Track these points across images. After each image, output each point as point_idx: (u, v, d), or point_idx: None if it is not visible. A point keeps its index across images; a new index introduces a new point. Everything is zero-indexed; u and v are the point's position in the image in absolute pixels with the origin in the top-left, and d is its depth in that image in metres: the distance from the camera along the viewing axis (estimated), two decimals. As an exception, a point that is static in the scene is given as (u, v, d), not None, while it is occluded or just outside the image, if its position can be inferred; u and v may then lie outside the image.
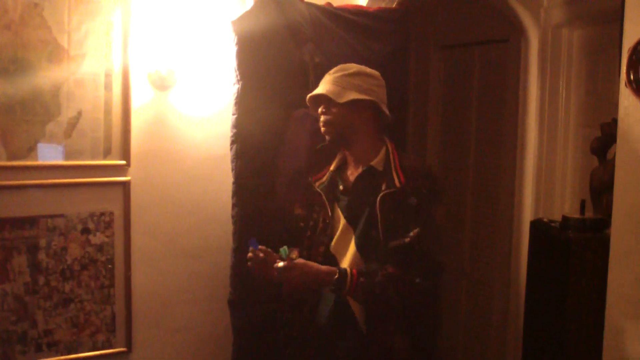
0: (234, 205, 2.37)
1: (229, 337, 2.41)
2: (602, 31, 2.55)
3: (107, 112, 2.37)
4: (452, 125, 3.48)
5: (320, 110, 1.98)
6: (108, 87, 2.36)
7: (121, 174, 2.43)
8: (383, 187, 1.90)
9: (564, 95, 2.73)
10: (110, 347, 2.45)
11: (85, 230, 2.38)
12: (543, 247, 2.37)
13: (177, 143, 2.53)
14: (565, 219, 2.24)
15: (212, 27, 2.51)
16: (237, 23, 2.32)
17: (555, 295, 2.21)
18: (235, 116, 2.35)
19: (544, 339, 2.33)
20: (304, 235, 2.02)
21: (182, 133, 2.53)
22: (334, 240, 1.97)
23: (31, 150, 2.26)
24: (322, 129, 1.98)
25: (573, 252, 2.10)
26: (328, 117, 1.96)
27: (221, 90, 2.55)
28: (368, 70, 2.00)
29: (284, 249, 1.87)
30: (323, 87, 1.96)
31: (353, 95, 1.91)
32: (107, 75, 2.36)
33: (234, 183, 2.37)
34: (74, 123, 2.32)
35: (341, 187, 2.00)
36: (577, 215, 2.23)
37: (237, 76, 2.33)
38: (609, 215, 1.94)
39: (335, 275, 1.83)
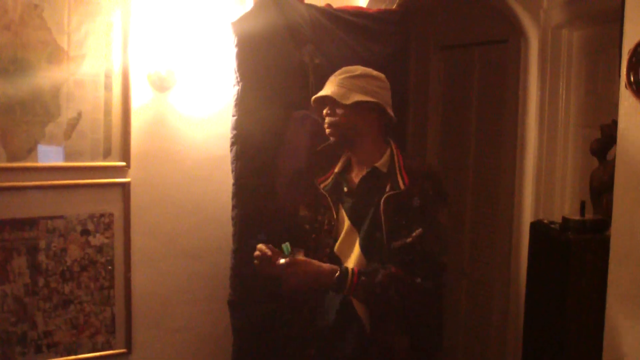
0: (234, 207, 2.37)
1: (229, 338, 2.41)
2: (602, 31, 2.55)
3: (107, 113, 2.37)
4: (452, 125, 3.48)
5: (325, 111, 1.98)
6: (108, 87, 2.36)
7: (121, 175, 2.43)
8: (387, 189, 1.90)
9: (564, 96, 2.73)
10: (110, 348, 2.45)
11: (85, 232, 2.38)
12: (543, 248, 2.37)
13: (177, 144, 2.53)
14: (565, 220, 2.24)
15: (212, 28, 2.51)
16: (237, 24, 2.32)
17: (555, 295, 2.21)
18: (235, 117, 2.35)
19: (544, 339, 2.33)
20: (310, 237, 2.02)
21: (182, 134, 2.53)
22: (339, 241, 1.97)
23: (31, 151, 2.25)
24: (327, 130, 1.98)
25: (573, 253, 2.10)
26: (333, 118, 1.96)
27: (221, 91, 2.55)
28: (373, 72, 2.00)
29: (286, 246, 1.86)
30: (328, 89, 1.96)
31: (358, 97, 1.91)
32: (107, 76, 2.35)
33: (234, 184, 2.36)
34: (73, 124, 2.32)
35: (346, 189, 2.00)
36: (577, 217, 2.23)
37: (237, 77, 2.33)
38: (609, 216, 1.94)
39: (337, 273, 1.83)
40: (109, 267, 2.43)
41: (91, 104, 2.34)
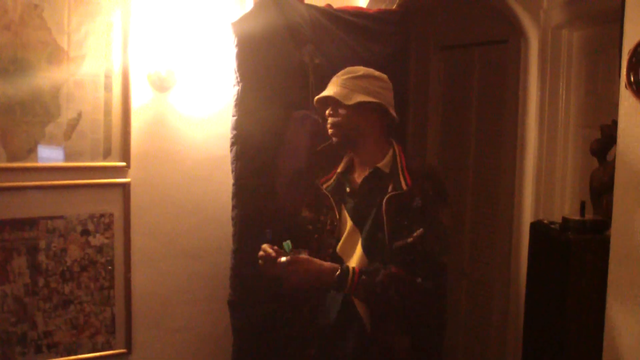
0: (234, 207, 2.37)
1: (229, 338, 2.41)
2: (602, 31, 2.55)
3: (107, 113, 2.37)
4: (452, 125, 3.48)
5: (327, 112, 1.99)
6: (108, 88, 2.36)
7: (121, 175, 2.43)
8: (389, 189, 1.90)
9: (564, 96, 2.73)
10: (110, 348, 2.45)
11: (85, 232, 2.38)
12: (543, 248, 2.37)
13: (177, 144, 2.53)
14: (565, 220, 2.24)
15: (211, 28, 2.51)
16: (237, 24, 2.32)
17: (555, 295, 2.21)
18: (235, 118, 2.35)
19: (544, 339, 2.33)
20: (312, 238, 2.02)
21: (182, 134, 2.53)
22: (341, 241, 1.97)
23: (31, 151, 2.26)
24: (330, 130, 1.99)
25: (573, 253, 2.10)
26: (335, 119, 1.96)
27: (221, 91, 2.55)
28: (376, 73, 2.00)
29: (287, 244, 1.87)
30: (331, 89, 1.96)
31: (360, 98, 1.91)
32: (107, 76, 2.36)
33: (234, 184, 2.37)
34: (73, 124, 2.32)
35: (348, 189, 2.00)
36: (577, 217, 2.23)
37: (237, 77, 2.33)
38: (609, 216, 1.94)
39: (337, 272, 1.83)
40: (109, 267, 2.43)
41: (91, 104, 2.34)
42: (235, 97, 2.34)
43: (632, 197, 1.80)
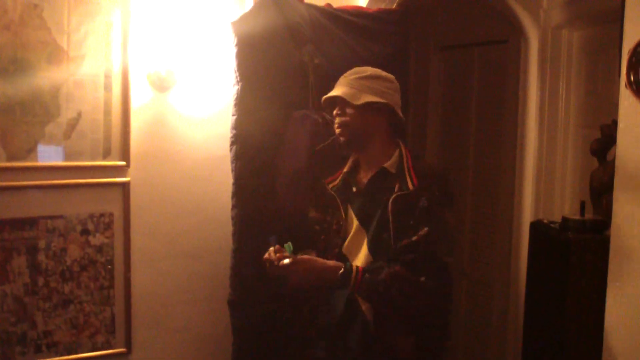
0: (233, 206, 2.37)
1: (229, 338, 2.41)
2: (602, 31, 2.55)
3: (107, 113, 2.37)
4: (452, 125, 3.48)
5: (335, 112, 1.99)
6: (107, 88, 2.36)
7: (121, 174, 2.43)
8: (396, 189, 1.90)
9: (563, 96, 2.73)
10: (110, 348, 2.45)
11: (85, 231, 2.38)
12: (543, 248, 2.37)
13: (176, 144, 2.53)
14: (565, 220, 2.24)
15: (211, 28, 2.51)
16: (237, 24, 2.32)
17: (555, 295, 2.21)
18: (235, 117, 2.35)
19: (544, 339, 2.33)
20: (319, 238, 2.03)
21: (181, 134, 2.53)
22: (347, 241, 1.97)
23: (31, 151, 2.25)
24: (337, 130, 1.99)
25: (573, 253, 2.10)
26: (343, 119, 1.96)
27: (220, 91, 2.55)
28: (383, 73, 2.00)
29: (288, 245, 1.88)
30: (338, 89, 1.96)
31: (369, 98, 1.92)
32: (107, 76, 2.35)
33: (233, 184, 2.36)
34: (73, 124, 2.32)
35: (354, 189, 2.00)
36: (577, 217, 2.23)
37: (236, 77, 2.33)
38: (609, 216, 1.94)
39: (341, 270, 1.84)
40: (109, 267, 2.43)
41: (91, 104, 2.34)
42: (235, 96, 2.34)
43: (631, 197, 1.80)
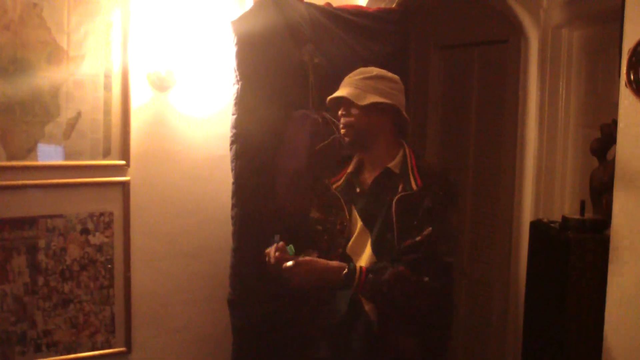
0: (233, 206, 2.37)
1: (229, 337, 2.41)
2: (602, 31, 2.55)
3: (107, 112, 2.37)
4: (452, 125, 3.48)
5: (340, 112, 1.99)
6: (107, 87, 2.36)
7: (121, 174, 2.43)
8: (400, 189, 1.90)
9: (563, 96, 2.73)
10: (110, 347, 2.45)
11: (85, 231, 2.38)
12: (543, 248, 2.37)
13: (176, 143, 2.53)
14: (565, 219, 2.24)
15: (211, 27, 2.51)
16: (237, 23, 2.32)
17: (555, 295, 2.21)
18: (234, 116, 2.35)
19: (544, 339, 2.33)
20: (322, 239, 2.03)
21: (181, 133, 2.53)
22: (351, 242, 1.98)
23: (30, 150, 2.25)
24: (342, 130, 2.00)
25: (573, 252, 2.10)
26: (348, 119, 1.97)
27: (220, 91, 2.55)
28: (389, 74, 2.01)
29: (290, 248, 1.88)
30: (344, 90, 1.96)
31: (374, 99, 1.92)
32: (107, 76, 2.35)
33: (233, 183, 2.36)
34: (73, 124, 2.32)
35: (358, 190, 2.00)
36: (577, 216, 2.23)
37: (236, 76, 2.33)
38: (609, 215, 1.94)
39: (344, 270, 1.84)
40: (109, 266, 2.43)
41: (91, 103, 2.34)
42: (235, 95, 2.34)
43: (631, 196, 1.80)
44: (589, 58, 2.66)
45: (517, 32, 2.83)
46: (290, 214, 2.23)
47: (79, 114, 2.32)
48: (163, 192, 2.52)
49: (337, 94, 1.98)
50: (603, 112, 2.46)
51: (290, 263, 1.83)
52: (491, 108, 3.17)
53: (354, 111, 1.95)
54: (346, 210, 1.99)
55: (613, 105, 1.99)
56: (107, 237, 2.42)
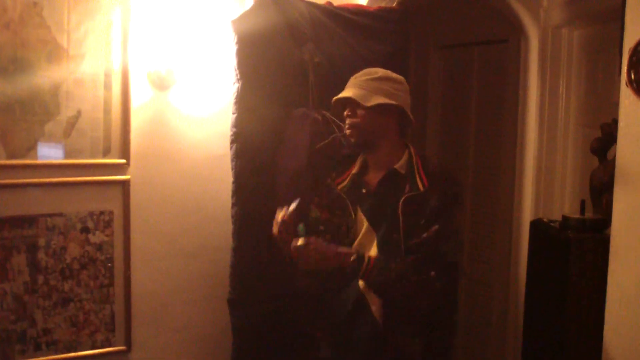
0: (233, 205, 2.37)
1: (229, 336, 2.41)
2: (602, 31, 2.55)
3: (107, 111, 2.37)
4: (452, 125, 3.48)
5: (345, 113, 1.99)
6: (107, 86, 2.36)
7: (121, 172, 2.43)
8: (406, 190, 1.91)
9: (564, 95, 2.73)
10: (110, 346, 2.45)
11: (85, 229, 2.38)
12: (543, 247, 2.37)
13: (176, 142, 2.53)
14: (565, 219, 2.24)
15: (211, 26, 2.51)
16: (237, 22, 2.32)
17: (555, 295, 2.21)
18: (235, 115, 2.35)
19: (544, 339, 2.33)
20: (324, 239, 2.02)
21: (181, 132, 2.53)
22: (356, 242, 1.97)
23: (30, 149, 2.25)
24: (347, 131, 1.99)
25: (573, 252, 2.10)
26: (354, 120, 1.96)
27: (221, 90, 2.55)
28: (394, 75, 2.01)
29: (301, 227, 1.86)
30: (349, 91, 1.96)
31: (380, 100, 1.92)
32: (107, 75, 2.35)
33: (233, 182, 2.37)
34: (73, 122, 2.32)
35: (364, 190, 2.00)
36: (577, 215, 2.23)
37: (237, 75, 2.33)
38: (609, 215, 1.94)
39: (353, 256, 1.84)
40: (109, 265, 2.43)
41: (91, 102, 2.34)
42: (235, 94, 2.34)
43: (632, 195, 1.80)
44: (589, 58, 2.66)
45: (517, 31, 2.83)
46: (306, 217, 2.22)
47: (79, 113, 2.32)
48: (163, 191, 2.52)
49: (343, 94, 1.98)
50: (603, 111, 2.46)
51: (300, 241, 1.82)
52: (491, 108, 3.17)
53: (359, 112, 1.95)
54: (352, 211, 1.99)
55: (613, 105, 1.99)
56: (107, 235, 2.42)
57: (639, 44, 1.76)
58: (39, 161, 2.27)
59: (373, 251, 1.93)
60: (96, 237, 2.40)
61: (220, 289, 2.47)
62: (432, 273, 1.82)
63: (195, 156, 2.57)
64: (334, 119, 2.23)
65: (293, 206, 1.90)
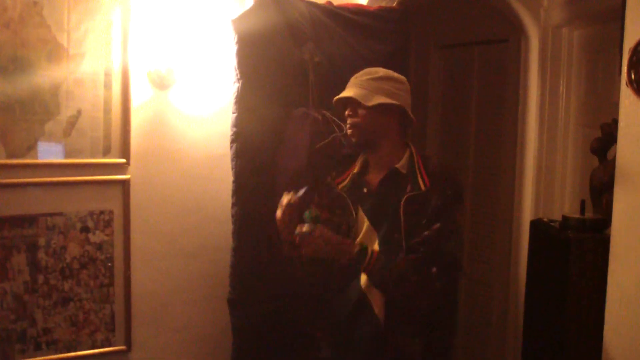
0: (233, 204, 2.37)
1: (229, 336, 2.41)
2: (602, 31, 2.55)
3: (107, 111, 2.37)
4: (452, 124, 3.48)
5: (347, 112, 1.99)
6: (107, 86, 2.36)
7: (121, 172, 2.43)
8: (408, 190, 1.91)
9: (564, 95, 2.73)
10: (110, 345, 2.45)
11: (85, 229, 2.38)
12: (543, 247, 2.37)
13: (176, 142, 2.53)
14: (565, 218, 2.24)
15: (211, 26, 2.51)
16: (237, 22, 2.32)
17: (555, 295, 2.21)
18: (235, 115, 2.35)
19: (544, 339, 2.33)
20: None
21: (181, 132, 2.53)
22: (357, 242, 1.97)
23: (30, 149, 2.25)
24: (349, 131, 1.99)
25: (573, 252, 2.10)
26: (355, 119, 1.96)
27: (221, 89, 2.55)
28: (395, 75, 2.01)
29: (308, 212, 1.86)
30: (350, 90, 1.96)
31: (381, 99, 1.92)
32: (107, 74, 2.35)
33: (233, 182, 2.36)
34: (73, 122, 2.32)
35: (365, 190, 2.00)
36: (577, 215, 2.23)
37: (237, 75, 2.33)
38: (609, 215, 1.94)
39: (357, 247, 1.84)
40: (109, 265, 2.43)
41: (91, 102, 2.34)
42: (235, 94, 2.34)
43: (632, 195, 1.80)
44: (589, 57, 2.66)
45: (517, 31, 2.83)
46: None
47: (79, 112, 2.32)
48: (163, 190, 2.52)
49: (344, 94, 1.98)
50: (603, 111, 2.46)
51: (306, 228, 1.82)
52: (491, 108, 3.17)
53: (360, 112, 1.95)
54: (352, 210, 1.99)
55: (613, 105, 1.99)
56: (107, 235, 2.42)
57: (639, 44, 1.76)
58: (39, 161, 2.27)
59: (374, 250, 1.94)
60: (96, 237, 2.40)
61: (220, 289, 2.46)
62: (434, 269, 1.83)
63: (195, 156, 2.56)
64: (334, 118, 2.23)
65: (301, 192, 1.89)
